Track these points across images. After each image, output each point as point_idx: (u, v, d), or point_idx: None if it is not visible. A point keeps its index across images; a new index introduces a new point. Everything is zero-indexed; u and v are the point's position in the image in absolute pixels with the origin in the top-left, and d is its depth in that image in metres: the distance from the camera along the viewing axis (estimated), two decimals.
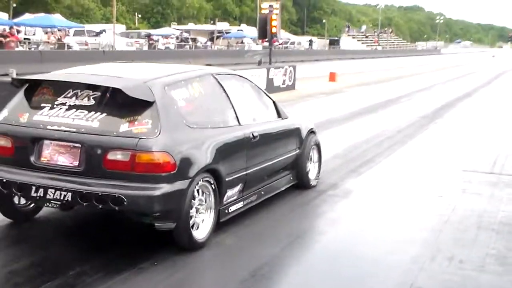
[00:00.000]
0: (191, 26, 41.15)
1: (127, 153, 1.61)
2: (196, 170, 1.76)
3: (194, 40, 30.27)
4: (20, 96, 1.84)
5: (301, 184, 3.37)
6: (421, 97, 12.94)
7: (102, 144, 1.62)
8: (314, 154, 3.72)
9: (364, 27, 71.63)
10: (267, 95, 3.09)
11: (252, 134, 2.57)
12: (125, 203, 1.59)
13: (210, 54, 22.94)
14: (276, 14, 13.26)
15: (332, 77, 16.52)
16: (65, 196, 1.63)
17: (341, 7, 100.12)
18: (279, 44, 31.97)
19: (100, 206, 1.60)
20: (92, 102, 1.72)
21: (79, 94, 1.75)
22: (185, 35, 31.15)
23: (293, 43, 41.33)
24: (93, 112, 1.72)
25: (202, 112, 2.08)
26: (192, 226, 1.84)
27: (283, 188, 3.30)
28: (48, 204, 1.75)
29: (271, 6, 13.29)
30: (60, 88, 1.78)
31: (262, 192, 2.68)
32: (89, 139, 1.62)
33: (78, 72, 2.08)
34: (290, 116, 3.31)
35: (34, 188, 1.57)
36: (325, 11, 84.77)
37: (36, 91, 1.84)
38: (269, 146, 2.81)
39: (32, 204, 2.05)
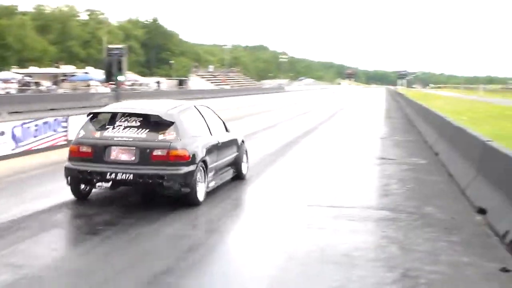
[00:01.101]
0: (33, 69, 41.71)
1: (165, 151, 3.37)
2: (198, 159, 3.64)
3: (37, 84, 30.88)
4: (88, 122, 3.71)
5: (239, 176, 5.73)
6: (267, 135, 14.02)
7: (150, 147, 3.37)
8: (245, 157, 5.98)
9: (211, 67, 74.42)
10: (219, 117, 5.31)
11: (218, 141, 4.77)
12: (165, 177, 3.27)
13: (55, 98, 22.76)
14: (122, 56, 13.29)
15: None
16: (128, 176, 3.26)
17: (189, 48, 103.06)
18: (127, 86, 33.18)
19: (150, 181, 3.19)
20: (138, 124, 3.53)
21: (129, 119, 3.62)
22: (27, 79, 31.85)
23: (141, 84, 42.24)
24: (140, 129, 3.50)
25: (195, 128, 4.12)
26: (196, 193, 3.71)
27: (229, 178, 5.58)
28: (115, 183, 3.55)
29: (117, 48, 13.25)
30: (115, 116, 3.64)
31: (220, 179, 4.81)
32: (141, 144, 3.31)
33: (124, 107, 4.14)
34: (232, 131, 5.56)
35: (108, 173, 3.29)
36: (173, 52, 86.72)
37: (100, 117, 3.69)
38: (225, 149, 5.00)
39: (88, 188, 4.02)
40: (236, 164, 6.06)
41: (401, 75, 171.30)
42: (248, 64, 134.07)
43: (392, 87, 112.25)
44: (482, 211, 5.66)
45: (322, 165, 9.03)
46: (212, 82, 63.49)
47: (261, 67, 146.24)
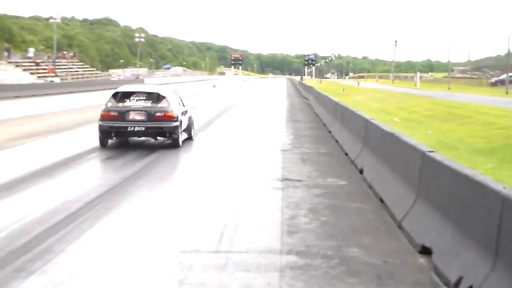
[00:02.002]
0: None
1: (162, 113, 12.94)
2: (179, 119, 13.17)
3: None
4: (111, 97, 13.33)
5: (190, 137, 15.11)
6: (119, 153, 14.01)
7: (153, 111, 12.96)
8: (192, 125, 15.67)
9: (31, 51, 70.12)
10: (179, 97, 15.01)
11: (184, 110, 14.67)
12: (163, 128, 12.86)
13: None
14: None
15: None
16: (141, 128, 12.82)
17: None
18: None
19: (155, 131, 12.84)
20: (144, 98, 13.21)
21: (139, 95, 13.34)
22: None
23: None
24: (146, 101, 13.10)
25: (175, 101, 13.98)
26: (179, 139, 13.43)
27: (186, 137, 14.84)
28: (133, 134, 13.35)
29: None
30: (128, 94, 13.48)
31: (187, 135, 14.65)
32: (148, 109, 12.94)
33: (134, 88, 14.61)
34: (186, 105, 15.19)
35: (129, 127, 12.73)
36: None
37: (118, 95, 13.46)
38: (186, 115, 14.62)
39: (107, 140, 13.67)
40: (189, 129, 15.15)
41: (309, 61, 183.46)
42: (88, 46, 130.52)
43: (296, 78, 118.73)
44: (426, 251, 5.88)
45: (201, 193, 9.33)
46: (33, 73, 60.23)
47: (107, 50, 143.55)
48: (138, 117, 13.68)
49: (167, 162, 12.38)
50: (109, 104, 13.88)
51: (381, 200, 8.47)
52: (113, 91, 14.33)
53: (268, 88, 70.88)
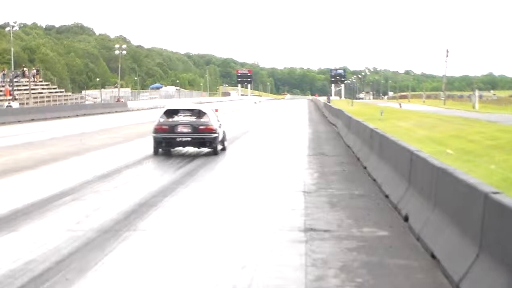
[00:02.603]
0: None
1: (204, 126, 21.63)
2: (217, 132, 21.94)
3: None
4: (163, 114, 22.41)
5: (224, 149, 24.15)
6: (101, 197, 14.38)
7: (197, 124, 21.72)
8: (225, 137, 25.12)
9: None
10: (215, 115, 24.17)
11: (220, 125, 23.62)
12: (206, 138, 21.70)
13: None
14: None
15: None
16: (188, 139, 21.59)
17: None
18: None
19: (199, 141, 21.70)
20: (189, 114, 22.64)
21: (185, 112, 22.80)
22: None
23: None
24: (191, 116, 22.41)
25: (214, 116, 23.04)
26: (217, 148, 22.46)
27: (222, 147, 23.99)
28: (181, 144, 22.35)
29: None
30: (176, 111, 22.93)
31: (221, 146, 23.60)
32: (193, 123, 21.76)
33: (180, 106, 25.26)
34: (220, 121, 24.45)
35: (177, 138, 21.53)
36: None
37: (168, 112, 22.81)
38: (222, 129, 23.72)
39: (160, 150, 22.81)
40: (223, 141, 23.55)
41: (336, 77, 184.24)
42: (54, 61, 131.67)
43: (321, 99, 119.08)
44: None
45: (191, 244, 9.68)
46: None
47: (79, 65, 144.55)
48: (185, 130, 21.99)
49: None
50: (161, 120, 22.30)
51: (433, 256, 8.47)
52: (164, 109, 23.36)
53: (285, 112, 71.04)
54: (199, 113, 22.80)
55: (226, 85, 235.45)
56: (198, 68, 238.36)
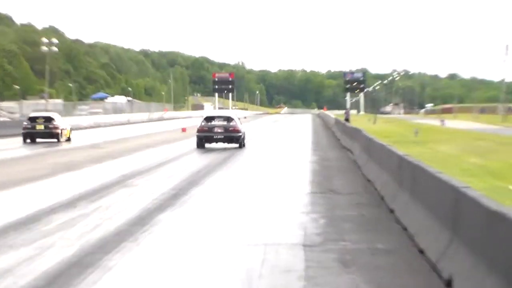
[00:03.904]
0: None
1: (233, 128, 50.60)
2: (242, 132, 51.46)
3: None
4: (203, 119, 51.88)
5: (244, 145, 52.48)
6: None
7: (228, 127, 50.97)
8: (245, 137, 54.50)
9: None
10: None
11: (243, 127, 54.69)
12: (234, 137, 51.12)
13: None
14: None
15: None
16: (221, 136, 50.32)
17: None
18: None
19: (229, 138, 50.88)
20: (222, 119, 52.23)
21: (219, 118, 52.93)
22: None
23: None
24: (223, 121, 51.72)
25: (239, 121, 53.65)
26: (243, 144, 51.86)
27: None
28: (216, 140, 51.80)
29: None
30: (212, 117, 53.38)
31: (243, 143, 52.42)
32: (225, 126, 50.75)
33: (216, 113, 66.31)
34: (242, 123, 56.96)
35: (214, 135, 50.45)
36: None
37: (207, 118, 52.78)
38: (243, 131, 53.54)
39: (202, 144, 52.38)
40: (243, 139, 51.78)
41: (353, 83, 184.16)
42: None
43: (331, 114, 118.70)
44: None
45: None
46: None
47: None
48: (219, 130, 46.94)
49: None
50: (203, 123, 47.57)
51: None
52: (203, 116, 49.70)
53: (282, 132, 71.23)
54: (228, 119, 48.11)
55: (198, 94, 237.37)
56: (158, 71, 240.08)
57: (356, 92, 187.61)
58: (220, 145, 48.41)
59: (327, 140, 58.35)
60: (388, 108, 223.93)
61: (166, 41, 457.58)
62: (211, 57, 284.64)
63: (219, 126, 46.91)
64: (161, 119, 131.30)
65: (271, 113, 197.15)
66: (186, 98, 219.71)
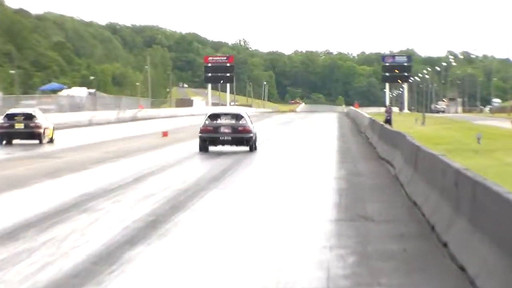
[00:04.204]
0: None
1: (243, 127, 62.82)
2: (253, 132, 63.47)
3: None
4: (207, 117, 66.09)
5: (256, 147, 65.43)
6: None
7: (237, 126, 62.85)
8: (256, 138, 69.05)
9: None
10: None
11: (253, 127, 68.68)
12: (244, 138, 63.07)
13: None
14: None
15: None
16: (229, 138, 61.83)
17: None
18: None
19: (238, 140, 62.66)
20: (230, 117, 66.19)
21: (226, 116, 67.36)
22: None
23: None
24: (231, 119, 65.22)
25: (250, 119, 67.97)
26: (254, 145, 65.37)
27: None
28: (223, 142, 63.85)
29: None
30: (218, 115, 68.77)
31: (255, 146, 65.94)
32: (233, 125, 63.35)
33: (222, 110, 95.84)
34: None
35: (220, 137, 61.63)
36: None
37: (212, 116, 67.80)
38: (254, 131, 66.97)
39: (205, 148, 64.45)
40: (255, 141, 63.44)
41: (395, 69, 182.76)
42: None
43: (364, 112, 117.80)
44: None
45: None
46: None
47: None
48: (226, 130, 55.71)
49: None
50: (207, 122, 56.75)
51: None
52: (208, 113, 62.27)
53: (297, 138, 72.96)
54: (238, 117, 55.99)
55: (185, 85, 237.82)
56: (132, 53, 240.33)
57: (398, 82, 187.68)
58: (227, 148, 55.69)
59: (358, 148, 58.87)
60: (442, 104, 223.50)
61: (141, 12, 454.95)
62: (202, 34, 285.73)
63: (226, 126, 54.15)
64: (134, 118, 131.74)
65: (283, 111, 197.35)
66: (168, 90, 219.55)
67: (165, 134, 73.73)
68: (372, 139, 61.56)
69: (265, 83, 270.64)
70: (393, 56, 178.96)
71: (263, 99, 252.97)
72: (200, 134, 55.34)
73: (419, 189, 26.37)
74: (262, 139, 78.05)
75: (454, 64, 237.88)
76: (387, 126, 60.50)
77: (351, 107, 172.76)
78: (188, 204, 27.57)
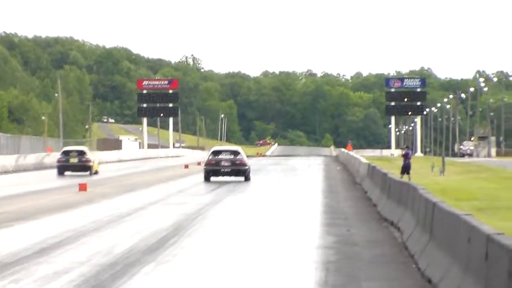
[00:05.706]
0: None
1: (240, 161, 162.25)
2: (248, 166, 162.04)
3: None
4: (211, 153, 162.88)
5: (249, 179, 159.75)
6: None
7: (235, 160, 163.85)
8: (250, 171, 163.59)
9: None
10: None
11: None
12: (241, 170, 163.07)
13: None
14: None
15: None
16: (228, 170, 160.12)
17: None
18: None
19: (235, 171, 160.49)
20: (229, 153, 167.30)
21: (226, 152, 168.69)
22: None
23: None
24: (230, 155, 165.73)
25: (245, 156, 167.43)
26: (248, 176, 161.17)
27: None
28: (223, 173, 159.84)
29: None
30: (219, 151, 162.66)
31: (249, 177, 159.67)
32: (231, 160, 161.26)
33: (222, 148, 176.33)
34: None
35: (221, 169, 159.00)
36: None
37: (214, 152, 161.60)
38: (249, 165, 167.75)
39: (209, 178, 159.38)
40: (249, 173, 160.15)
41: (403, 96, 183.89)
42: None
43: (360, 156, 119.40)
44: None
45: None
46: None
47: None
48: (226, 164, 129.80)
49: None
50: (210, 157, 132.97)
51: None
52: (211, 150, 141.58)
53: (266, 195, 73.74)
54: (235, 153, 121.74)
55: (111, 120, 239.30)
56: (36, 75, 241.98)
57: (408, 115, 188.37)
58: (227, 178, 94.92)
59: (352, 206, 59.65)
60: (469, 145, 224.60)
61: (48, 19, 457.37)
62: (134, 49, 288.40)
63: (226, 160, 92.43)
64: (41, 166, 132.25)
65: (248, 156, 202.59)
66: (87, 127, 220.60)
67: (82, 187, 72.85)
68: (371, 193, 61.15)
69: (222, 116, 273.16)
70: (401, 79, 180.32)
71: (220, 139, 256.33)
72: (205, 167, 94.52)
73: (436, 261, 26.52)
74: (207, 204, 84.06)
75: (485, 89, 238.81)
76: (394, 177, 58.47)
77: (343, 149, 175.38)
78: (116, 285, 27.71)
